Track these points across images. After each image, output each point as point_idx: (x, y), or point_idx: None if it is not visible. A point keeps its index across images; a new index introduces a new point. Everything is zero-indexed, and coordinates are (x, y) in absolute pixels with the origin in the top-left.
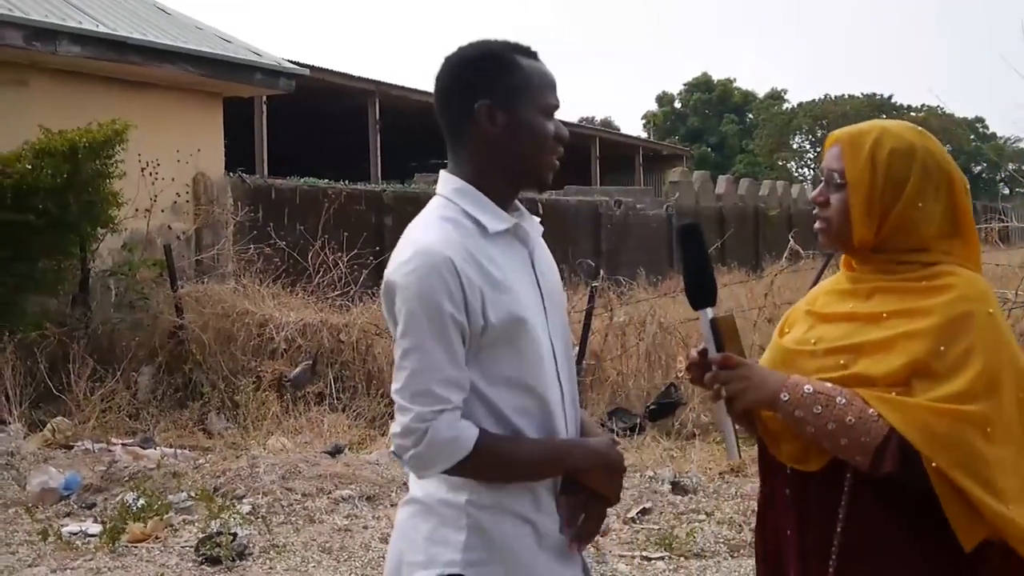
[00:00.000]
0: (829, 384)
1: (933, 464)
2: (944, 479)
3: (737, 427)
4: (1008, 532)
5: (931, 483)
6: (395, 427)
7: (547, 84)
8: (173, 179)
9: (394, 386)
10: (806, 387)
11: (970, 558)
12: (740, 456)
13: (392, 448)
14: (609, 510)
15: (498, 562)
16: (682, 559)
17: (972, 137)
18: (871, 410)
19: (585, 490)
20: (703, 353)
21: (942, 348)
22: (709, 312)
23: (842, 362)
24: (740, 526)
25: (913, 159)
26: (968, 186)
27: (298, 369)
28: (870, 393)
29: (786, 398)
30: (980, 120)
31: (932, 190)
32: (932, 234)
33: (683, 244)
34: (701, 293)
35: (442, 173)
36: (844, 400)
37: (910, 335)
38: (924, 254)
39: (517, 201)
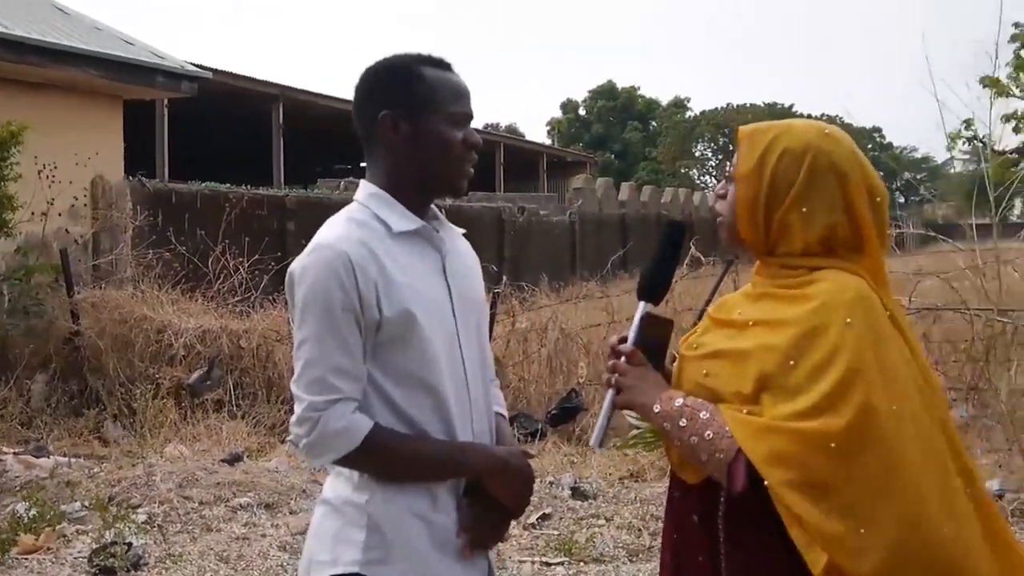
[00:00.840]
0: (701, 399)
1: (765, 482)
2: (778, 499)
3: (613, 420)
4: (835, 553)
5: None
6: (293, 416)
7: (455, 94)
8: (71, 182)
9: (293, 377)
10: (677, 400)
11: None
12: (600, 447)
13: (291, 437)
14: None
15: (396, 560)
16: (581, 564)
17: (870, 146)
18: (727, 426)
19: (488, 497)
20: (623, 340)
21: (791, 363)
22: (648, 307)
23: (704, 372)
24: (639, 531)
25: (803, 161)
26: (882, 197)
27: (194, 375)
28: (727, 409)
29: (658, 409)
30: (877, 130)
31: (824, 195)
32: (818, 239)
33: (663, 237)
34: (649, 287)
35: (361, 182)
36: (707, 415)
37: (766, 348)
38: (815, 259)
39: (437, 210)
